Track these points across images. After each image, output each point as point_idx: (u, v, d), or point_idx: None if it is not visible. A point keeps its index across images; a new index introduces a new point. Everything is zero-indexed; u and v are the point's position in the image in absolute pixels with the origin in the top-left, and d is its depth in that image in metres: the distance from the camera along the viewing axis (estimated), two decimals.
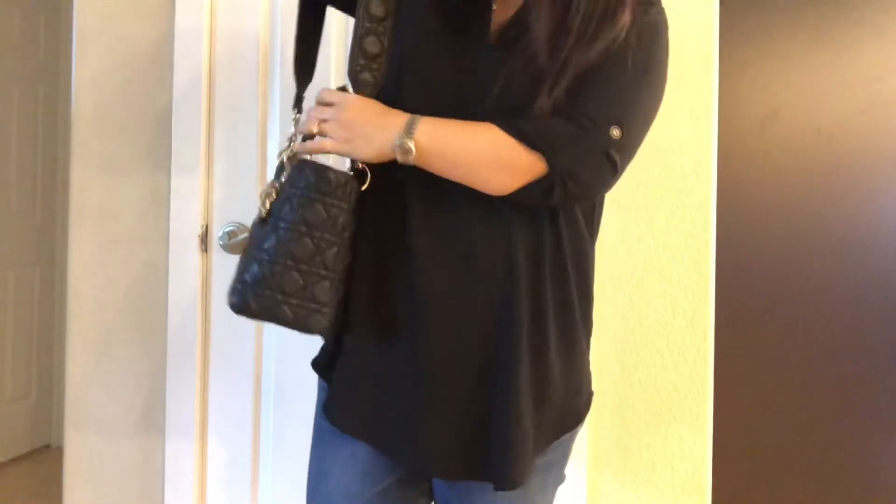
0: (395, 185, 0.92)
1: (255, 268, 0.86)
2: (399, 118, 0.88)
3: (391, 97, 0.93)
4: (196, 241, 1.62)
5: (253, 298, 0.85)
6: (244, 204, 1.63)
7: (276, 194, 0.90)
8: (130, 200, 1.66)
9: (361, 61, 0.91)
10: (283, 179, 0.90)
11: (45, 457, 3.13)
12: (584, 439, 1.55)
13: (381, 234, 0.94)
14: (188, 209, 1.62)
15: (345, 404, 0.97)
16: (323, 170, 0.87)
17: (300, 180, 0.87)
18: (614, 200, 1.56)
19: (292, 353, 1.61)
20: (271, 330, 1.63)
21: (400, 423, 0.94)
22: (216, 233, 1.63)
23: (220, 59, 1.64)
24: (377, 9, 0.90)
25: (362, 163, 0.91)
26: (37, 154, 3.20)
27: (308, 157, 0.91)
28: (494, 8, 0.94)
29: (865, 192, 1.64)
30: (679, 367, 1.54)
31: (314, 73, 1.08)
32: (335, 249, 0.87)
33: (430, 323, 0.91)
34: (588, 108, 0.88)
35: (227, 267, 1.63)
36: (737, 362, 1.63)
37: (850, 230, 1.64)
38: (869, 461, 1.65)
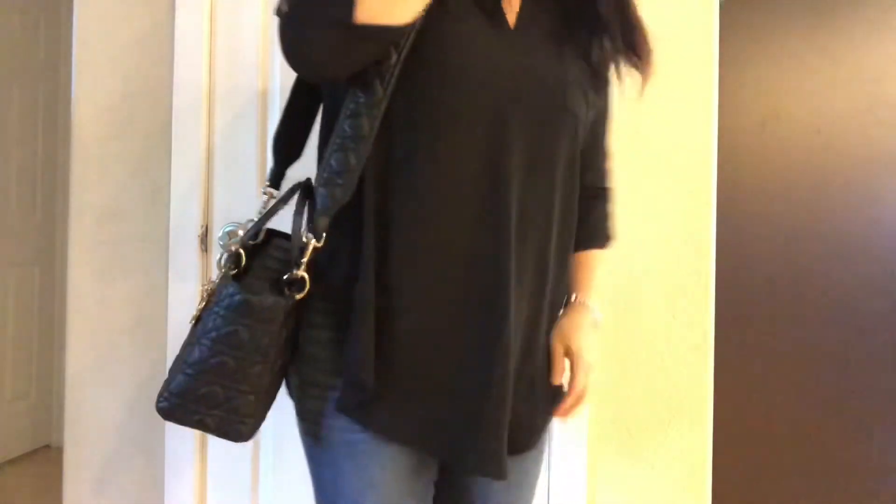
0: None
1: (179, 378, 0.86)
2: None
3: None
4: (196, 241, 1.62)
5: (178, 408, 0.86)
6: (244, 204, 1.63)
7: (207, 301, 0.88)
8: (130, 200, 1.66)
9: (325, 175, 0.86)
10: (215, 280, 0.89)
11: (45, 457, 3.13)
12: (584, 439, 1.55)
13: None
14: (188, 209, 1.62)
15: (399, 411, 0.90)
16: (246, 293, 0.83)
17: (223, 298, 0.84)
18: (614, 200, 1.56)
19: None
20: None
21: (463, 423, 0.89)
22: (216, 233, 1.63)
23: (220, 59, 1.64)
24: (360, 129, 0.84)
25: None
26: (37, 154, 3.20)
27: (233, 268, 0.88)
28: None
29: (865, 192, 1.64)
30: (679, 367, 1.54)
31: (301, 153, 1.03)
32: (258, 368, 0.85)
33: (506, 309, 0.88)
34: None
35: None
36: (737, 362, 1.63)
37: (850, 230, 1.64)
38: (869, 461, 1.65)
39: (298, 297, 0.86)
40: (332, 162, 0.84)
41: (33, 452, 3.16)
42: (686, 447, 1.54)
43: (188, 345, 0.88)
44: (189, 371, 0.86)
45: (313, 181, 0.89)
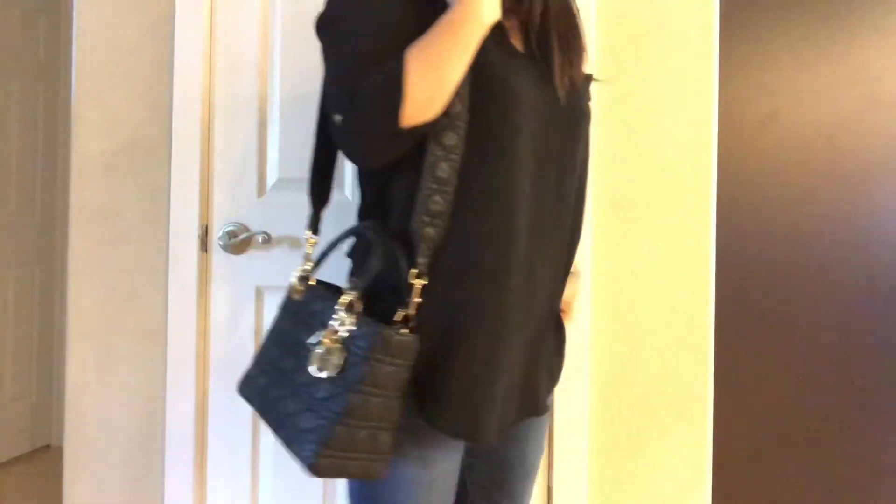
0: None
1: (331, 430, 0.87)
2: None
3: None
4: (196, 241, 1.62)
5: (333, 460, 0.87)
6: (244, 204, 1.63)
7: (345, 351, 0.90)
8: (130, 200, 1.66)
9: (425, 218, 0.94)
10: (342, 331, 0.91)
11: (45, 457, 3.13)
12: (585, 439, 1.55)
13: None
14: (188, 209, 1.62)
15: (457, 409, 0.97)
16: (389, 334, 0.88)
17: (365, 340, 0.88)
18: (614, 200, 1.56)
19: None
20: None
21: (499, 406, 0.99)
22: (216, 233, 1.63)
23: (220, 59, 1.64)
24: (443, 172, 0.93)
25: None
26: (37, 154, 3.20)
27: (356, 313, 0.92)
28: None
29: (865, 192, 1.64)
30: (679, 367, 1.54)
31: (329, 198, 1.14)
32: (399, 404, 0.90)
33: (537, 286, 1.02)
34: None
35: (227, 267, 1.63)
36: (737, 362, 1.63)
37: (849, 230, 1.64)
38: (869, 461, 1.65)
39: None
40: (420, 204, 0.93)
41: (33, 452, 3.16)
42: (686, 447, 1.54)
43: (333, 396, 0.89)
44: (343, 420, 0.87)
45: (374, 226, 0.99)
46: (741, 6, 1.63)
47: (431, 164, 0.93)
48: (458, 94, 0.92)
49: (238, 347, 1.64)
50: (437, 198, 0.93)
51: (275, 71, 1.63)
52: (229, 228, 1.62)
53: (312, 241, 1.10)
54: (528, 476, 1.18)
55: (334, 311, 0.91)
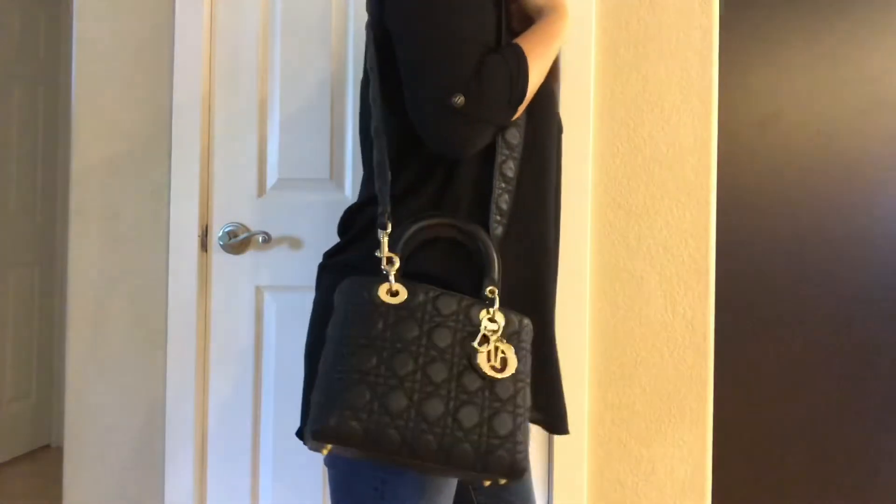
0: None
1: (522, 426, 0.86)
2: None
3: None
4: (196, 241, 1.62)
5: (522, 455, 0.85)
6: (244, 204, 1.63)
7: (509, 347, 0.89)
8: (130, 200, 1.66)
9: (497, 217, 0.94)
10: (497, 330, 0.89)
11: (45, 457, 3.13)
12: (585, 438, 1.55)
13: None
14: (188, 209, 1.62)
15: None
16: (528, 322, 0.92)
17: (524, 333, 0.91)
18: (614, 200, 1.56)
19: (292, 352, 1.61)
20: (271, 329, 1.63)
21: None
22: (216, 233, 1.63)
23: (220, 59, 1.64)
24: (510, 171, 0.95)
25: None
26: (37, 154, 3.20)
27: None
28: None
29: (865, 192, 1.64)
30: (679, 367, 1.54)
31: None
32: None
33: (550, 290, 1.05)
34: None
35: (227, 267, 1.63)
36: (737, 362, 1.63)
37: (849, 230, 1.64)
38: (869, 461, 1.65)
39: None
40: (502, 205, 0.93)
41: (33, 452, 3.16)
42: (686, 447, 1.54)
43: (517, 392, 0.87)
44: (525, 414, 0.86)
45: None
46: (741, 6, 1.63)
47: (500, 163, 0.93)
48: None
49: (238, 347, 1.64)
50: (506, 197, 0.93)
51: (275, 71, 1.63)
52: (229, 228, 1.62)
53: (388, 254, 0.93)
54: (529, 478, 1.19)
55: (477, 311, 0.88)
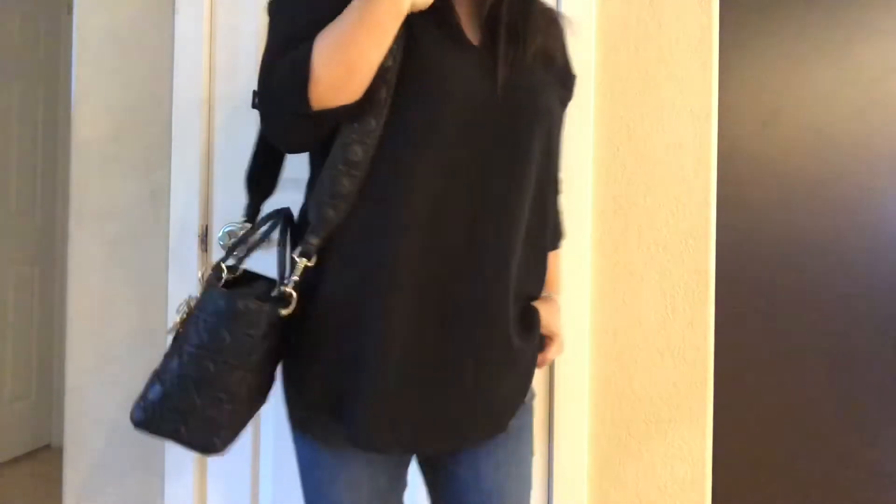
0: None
1: (157, 388, 0.90)
2: None
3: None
4: (196, 241, 1.62)
5: (154, 418, 0.90)
6: (244, 204, 1.63)
7: (189, 312, 0.92)
8: (130, 200, 1.66)
9: (326, 199, 0.90)
10: (195, 294, 0.93)
11: (45, 457, 3.13)
12: (585, 439, 1.55)
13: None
14: (188, 209, 1.62)
15: (385, 423, 0.93)
16: (230, 298, 0.87)
17: (207, 304, 0.89)
18: (614, 200, 1.56)
19: None
20: None
21: (436, 411, 0.95)
22: (216, 233, 1.63)
23: (220, 59, 1.64)
24: (355, 155, 0.90)
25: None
26: (37, 154, 3.20)
27: (219, 283, 0.93)
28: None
29: (865, 192, 1.64)
30: (679, 367, 1.54)
31: (276, 187, 1.12)
32: (238, 374, 0.88)
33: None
34: None
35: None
36: (737, 362, 1.63)
37: (849, 230, 1.64)
38: (869, 461, 1.65)
39: (284, 312, 0.89)
40: (326, 183, 0.89)
41: (33, 452, 3.16)
42: (686, 447, 1.54)
43: (168, 356, 0.91)
44: (168, 380, 0.89)
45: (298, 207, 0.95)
46: (741, 6, 1.63)
47: (343, 146, 0.89)
48: (384, 79, 0.88)
49: None
50: (344, 180, 0.89)
51: None
52: (229, 228, 1.61)
53: (246, 230, 1.04)
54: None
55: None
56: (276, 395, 1.63)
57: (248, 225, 1.05)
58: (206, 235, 1.64)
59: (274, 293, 0.90)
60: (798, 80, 1.65)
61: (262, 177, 1.10)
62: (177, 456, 1.63)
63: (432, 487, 1.10)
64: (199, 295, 0.92)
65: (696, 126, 1.54)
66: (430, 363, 0.93)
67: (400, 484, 1.08)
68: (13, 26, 3.04)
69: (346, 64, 0.85)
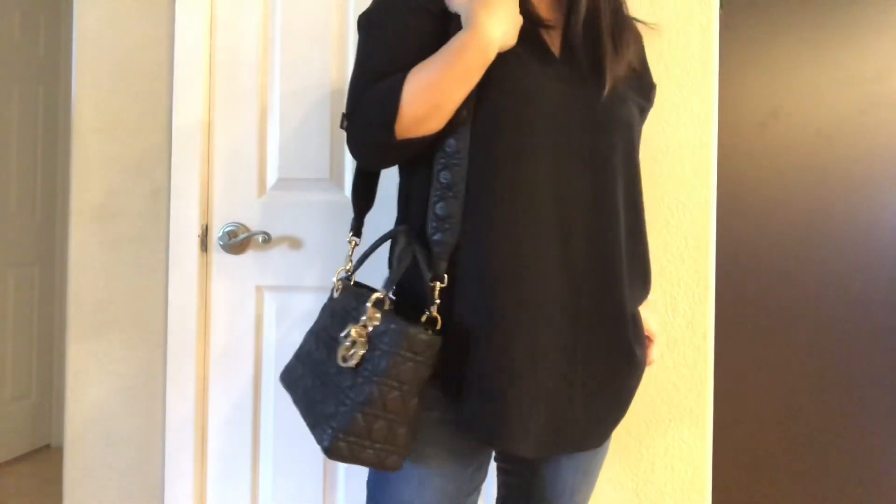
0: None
1: (350, 416, 0.91)
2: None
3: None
4: (196, 241, 1.62)
5: (349, 446, 0.91)
6: (244, 204, 1.63)
7: (368, 343, 0.94)
8: (130, 200, 1.66)
9: (434, 223, 0.97)
10: (369, 327, 0.94)
11: (45, 457, 3.13)
12: None
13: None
14: (188, 209, 1.62)
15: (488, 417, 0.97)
16: (412, 329, 0.91)
17: (390, 336, 0.92)
18: None
19: (292, 351, 1.60)
20: (271, 329, 1.63)
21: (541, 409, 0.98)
22: (216, 233, 1.63)
23: (220, 59, 1.64)
24: (445, 178, 0.96)
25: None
26: (37, 154, 3.20)
27: (386, 309, 0.96)
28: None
29: (865, 192, 1.64)
30: (679, 367, 1.54)
31: (373, 202, 1.17)
32: (415, 401, 0.93)
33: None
34: None
35: (227, 267, 1.63)
36: (737, 362, 1.63)
37: (849, 230, 1.64)
38: (869, 461, 1.65)
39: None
40: (438, 211, 0.96)
41: (33, 452, 3.16)
42: (686, 447, 1.54)
43: (355, 385, 0.92)
44: (355, 406, 0.91)
45: (407, 229, 1.01)
46: (741, 6, 1.63)
47: (438, 171, 0.96)
48: (465, 104, 0.95)
49: (238, 347, 1.64)
50: (441, 203, 0.96)
51: (275, 71, 1.63)
52: (229, 228, 1.62)
53: (354, 243, 1.14)
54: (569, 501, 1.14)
55: (365, 308, 0.95)
56: (269, 396, 1.63)
57: (356, 239, 1.15)
58: (206, 235, 1.64)
59: (425, 317, 0.95)
60: (798, 80, 1.65)
61: (365, 193, 1.16)
62: (177, 456, 1.63)
63: (508, 487, 1.17)
64: (376, 324, 0.94)
65: (696, 126, 1.54)
66: (565, 373, 0.98)
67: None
68: (13, 26, 3.04)
69: (432, 103, 0.93)
